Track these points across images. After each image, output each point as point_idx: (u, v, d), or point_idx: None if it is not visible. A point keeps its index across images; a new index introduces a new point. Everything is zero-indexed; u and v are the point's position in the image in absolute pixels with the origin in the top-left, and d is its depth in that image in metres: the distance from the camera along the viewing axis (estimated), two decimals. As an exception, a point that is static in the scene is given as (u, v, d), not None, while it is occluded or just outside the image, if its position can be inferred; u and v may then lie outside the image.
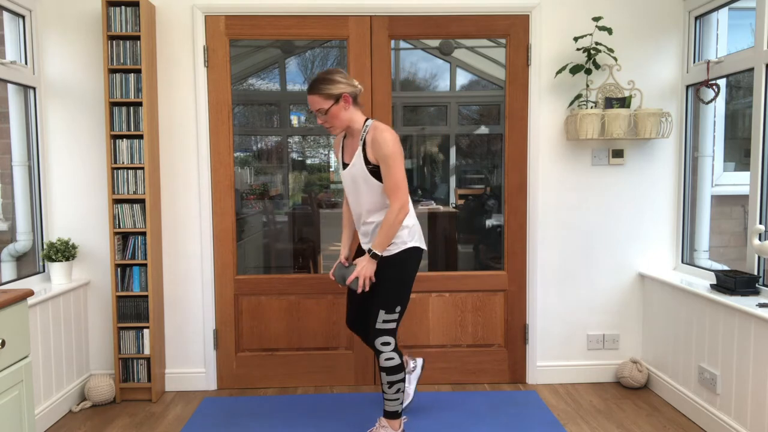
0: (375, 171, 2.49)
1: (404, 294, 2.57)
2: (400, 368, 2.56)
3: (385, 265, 2.55)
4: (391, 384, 2.56)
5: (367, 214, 2.60)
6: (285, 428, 2.86)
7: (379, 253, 2.50)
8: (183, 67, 3.25)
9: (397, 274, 2.55)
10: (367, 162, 2.49)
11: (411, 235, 2.57)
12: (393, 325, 2.55)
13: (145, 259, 3.15)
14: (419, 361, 3.05)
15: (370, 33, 3.29)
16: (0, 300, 1.85)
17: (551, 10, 3.28)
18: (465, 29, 3.31)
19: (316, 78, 2.50)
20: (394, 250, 2.54)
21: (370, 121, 2.54)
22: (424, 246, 2.64)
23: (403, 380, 2.57)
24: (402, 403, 2.62)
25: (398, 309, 2.55)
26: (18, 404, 1.97)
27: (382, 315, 2.53)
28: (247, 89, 3.64)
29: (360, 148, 2.51)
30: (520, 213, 3.40)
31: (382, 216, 2.55)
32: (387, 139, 2.42)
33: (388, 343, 2.54)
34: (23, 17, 3.09)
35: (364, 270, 2.52)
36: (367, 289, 2.54)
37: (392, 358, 2.54)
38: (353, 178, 2.57)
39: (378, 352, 2.55)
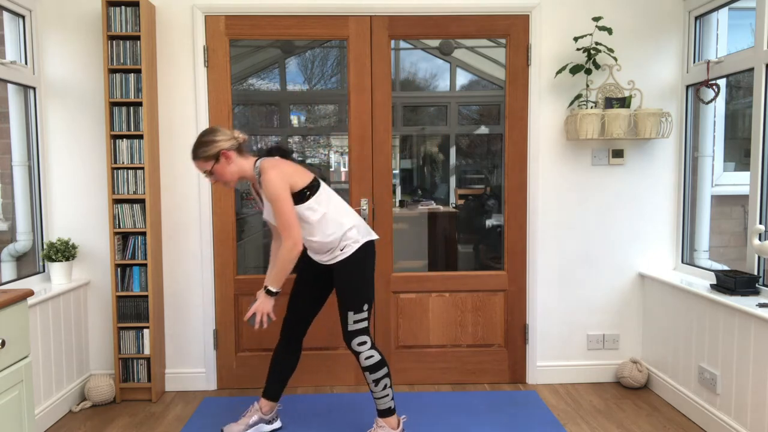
0: None
1: (368, 291, 2.60)
2: (382, 363, 2.57)
3: (344, 268, 2.56)
4: (376, 381, 2.57)
5: (306, 240, 2.58)
6: (285, 428, 2.86)
7: (274, 290, 2.49)
8: (183, 67, 3.25)
9: (357, 273, 2.57)
10: None
11: (360, 232, 2.58)
12: (365, 324, 2.57)
13: (145, 259, 3.15)
14: (276, 424, 2.86)
15: (370, 33, 3.29)
16: (0, 300, 1.85)
17: (551, 10, 3.28)
18: (465, 29, 3.31)
19: (194, 143, 2.51)
20: (348, 251, 2.55)
21: (259, 162, 2.51)
22: (374, 236, 2.65)
23: (387, 375, 2.58)
24: (393, 399, 2.63)
25: (366, 307, 2.57)
26: (18, 404, 1.97)
27: (351, 317, 2.55)
28: (247, 89, 3.64)
29: (263, 191, 2.52)
30: (520, 213, 3.40)
31: (320, 234, 2.53)
32: (270, 180, 2.40)
33: (364, 343, 2.55)
34: (23, 17, 3.09)
35: (261, 305, 2.51)
36: (265, 326, 2.52)
37: (372, 356, 2.56)
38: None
39: (356, 353, 2.56)
